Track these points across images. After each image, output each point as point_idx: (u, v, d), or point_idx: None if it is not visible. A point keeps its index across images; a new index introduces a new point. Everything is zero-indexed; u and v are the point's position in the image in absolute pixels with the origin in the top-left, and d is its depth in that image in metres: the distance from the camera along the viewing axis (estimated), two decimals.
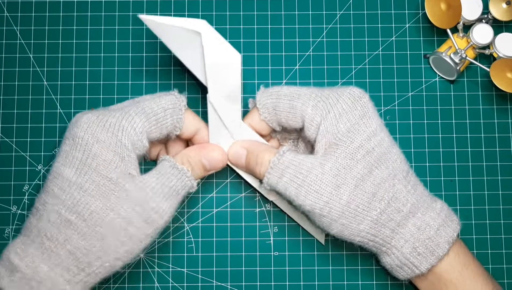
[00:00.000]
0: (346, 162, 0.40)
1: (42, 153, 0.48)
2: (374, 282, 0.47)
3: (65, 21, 0.50)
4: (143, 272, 0.47)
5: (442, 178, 0.49)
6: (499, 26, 0.51)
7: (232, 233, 0.48)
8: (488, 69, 0.47)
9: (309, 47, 0.50)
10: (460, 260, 0.40)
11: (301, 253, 0.47)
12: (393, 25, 0.51)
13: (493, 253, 0.48)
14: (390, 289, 0.47)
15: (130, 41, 0.50)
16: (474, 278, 0.40)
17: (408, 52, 0.50)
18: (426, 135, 0.49)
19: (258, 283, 0.47)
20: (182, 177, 0.41)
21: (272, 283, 0.47)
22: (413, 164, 0.49)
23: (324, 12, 0.51)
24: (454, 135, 0.49)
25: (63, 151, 0.39)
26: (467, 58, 0.48)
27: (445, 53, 0.48)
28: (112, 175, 0.38)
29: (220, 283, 0.47)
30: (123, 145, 0.39)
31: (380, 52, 0.50)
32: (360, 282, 0.47)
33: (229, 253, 0.47)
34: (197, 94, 0.49)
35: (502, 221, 0.48)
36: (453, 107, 0.50)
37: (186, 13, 0.50)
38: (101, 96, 0.49)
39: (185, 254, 0.47)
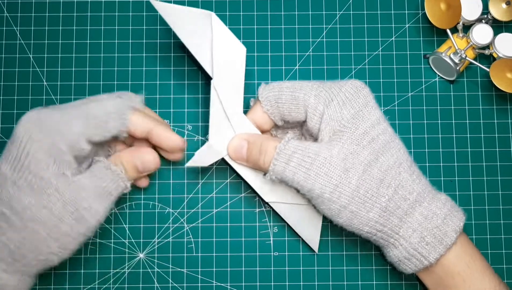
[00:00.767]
0: (352, 148, 0.40)
1: None
2: (374, 282, 0.47)
3: (65, 21, 0.50)
4: (143, 272, 0.47)
5: (442, 178, 0.49)
6: (499, 26, 0.51)
7: (232, 234, 0.48)
8: (488, 69, 0.47)
9: (309, 47, 0.50)
10: (467, 251, 0.40)
11: (301, 253, 0.47)
12: (393, 25, 0.51)
13: (493, 253, 0.48)
14: (390, 289, 0.47)
15: (130, 41, 0.50)
16: (481, 271, 0.40)
17: (408, 52, 0.50)
18: (426, 135, 0.49)
19: (258, 283, 0.47)
20: (115, 178, 0.42)
21: (272, 283, 0.47)
22: None
23: (324, 12, 0.51)
24: (454, 135, 0.49)
25: (6, 146, 0.40)
26: (467, 58, 0.48)
27: (445, 53, 0.48)
28: (44, 174, 0.39)
29: (220, 283, 0.47)
30: (57, 147, 0.39)
31: (380, 52, 0.50)
32: (360, 282, 0.47)
33: (228, 254, 0.47)
34: (197, 94, 0.49)
35: (502, 221, 0.48)
36: (453, 107, 0.50)
37: None
38: None
39: (185, 254, 0.47)
